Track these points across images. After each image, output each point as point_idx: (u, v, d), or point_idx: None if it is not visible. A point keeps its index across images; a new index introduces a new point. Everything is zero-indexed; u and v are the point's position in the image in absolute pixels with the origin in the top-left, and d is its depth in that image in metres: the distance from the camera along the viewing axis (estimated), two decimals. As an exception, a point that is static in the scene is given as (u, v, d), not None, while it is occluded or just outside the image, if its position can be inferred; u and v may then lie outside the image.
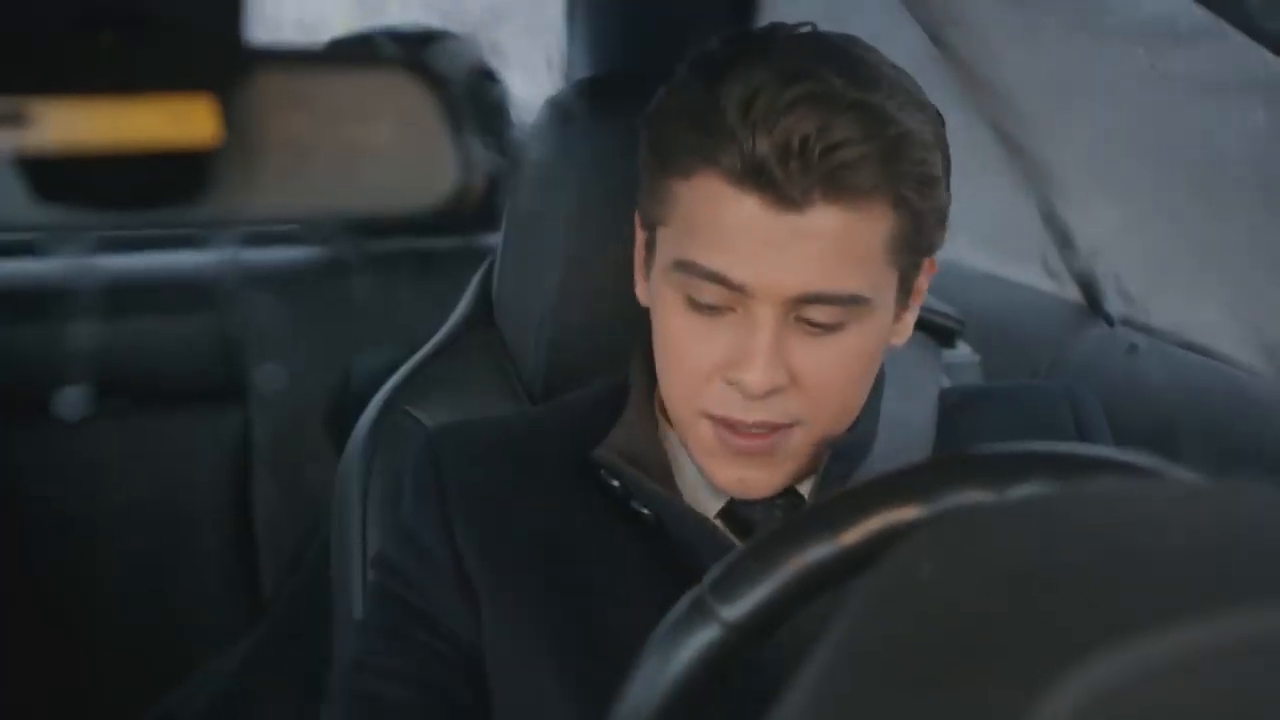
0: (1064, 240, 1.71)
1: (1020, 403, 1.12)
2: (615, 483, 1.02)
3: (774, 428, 0.96)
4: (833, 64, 0.92)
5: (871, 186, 0.91)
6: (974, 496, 0.63)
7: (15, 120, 0.50)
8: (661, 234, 0.98)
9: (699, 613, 0.65)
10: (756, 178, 0.91)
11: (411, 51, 0.64)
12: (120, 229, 1.83)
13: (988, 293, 1.84)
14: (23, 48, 0.50)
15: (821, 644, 0.43)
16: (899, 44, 1.62)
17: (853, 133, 0.90)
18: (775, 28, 1.00)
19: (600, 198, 1.17)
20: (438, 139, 0.63)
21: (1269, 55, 1.11)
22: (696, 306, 0.95)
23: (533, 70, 2.03)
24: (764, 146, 0.90)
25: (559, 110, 1.22)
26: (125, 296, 1.92)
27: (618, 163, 1.06)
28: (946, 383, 1.23)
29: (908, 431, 1.08)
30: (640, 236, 1.03)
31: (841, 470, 1.01)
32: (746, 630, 0.64)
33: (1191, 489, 0.53)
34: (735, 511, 1.02)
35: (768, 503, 1.02)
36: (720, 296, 0.94)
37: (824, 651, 0.42)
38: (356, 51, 1.44)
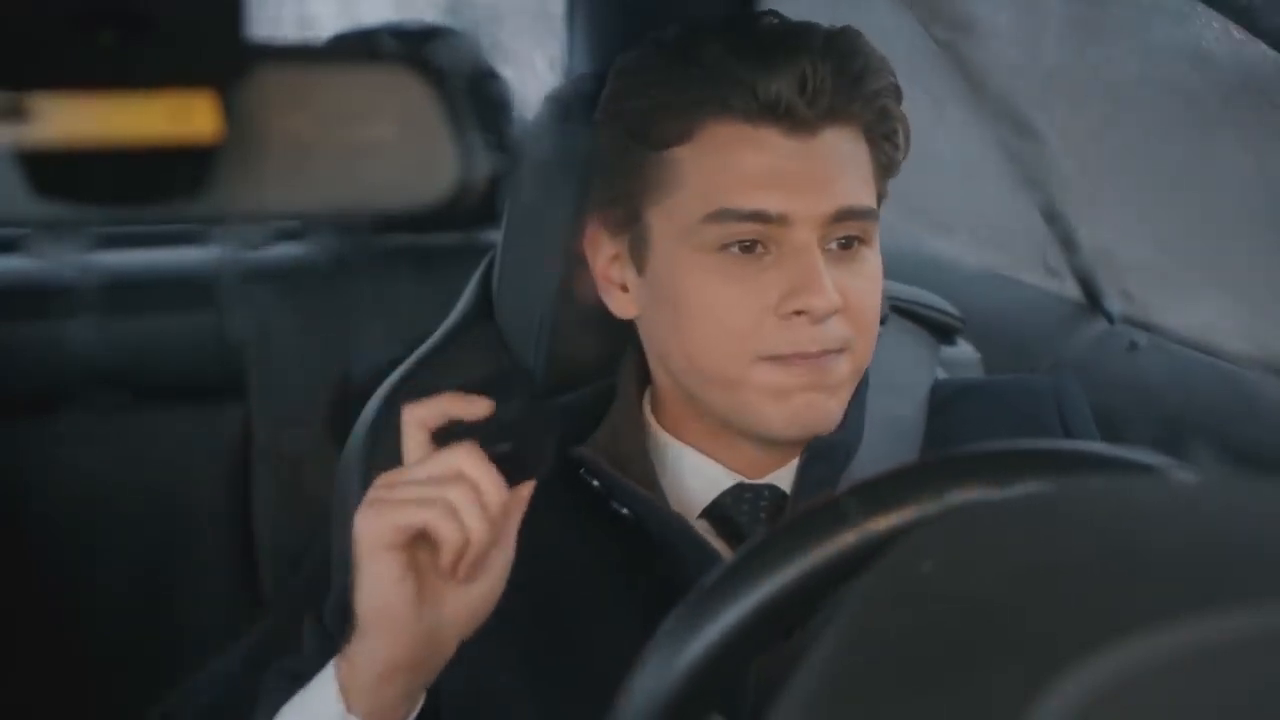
0: (1064, 238, 1.71)
1: (1005, 398, 1.12)
2: (595, 482, 1.02)
3: (832, 355, 0.98)
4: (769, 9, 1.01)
5: (850, 107, 0.98)
6: (961, 498, 0.62)
7: (16, 115, 0.50)
8: (657, 213, 0.99)
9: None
10: (774, 111, 0.95)
11: (413, 48, 0.64)
12: (120, 225, 1.83)
13: (988, 291, 1.84)
14: (24, 42, 0.50)
15: (822, 640, 0.43)
16: (900, 43, 1.62)
17: (840, 55, 0.97)
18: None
19: None
20: (439, 136, 0.63)
21: (1270, 52, 1.11)
22: (734, 256, 0.97)
23: (533, 67, 2.03)
24: (778, 82, 0.95)
25: (559, 107, 1.21)
26: (125, 293, 1.92)
27: None
28: (943, 375, 1.23)
29: (896, 429, 1.08)
30: (607, 251, 1.03)
31: (825, 471, 1.01)
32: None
33: (1192, 486, 0.53)
34: (719, 512, 1.02)
35: (753, 504, 1.02)
36: (759, 235, 0.96)
37: (825, 647, 0.42)
38: (358, 48, 1.44)
